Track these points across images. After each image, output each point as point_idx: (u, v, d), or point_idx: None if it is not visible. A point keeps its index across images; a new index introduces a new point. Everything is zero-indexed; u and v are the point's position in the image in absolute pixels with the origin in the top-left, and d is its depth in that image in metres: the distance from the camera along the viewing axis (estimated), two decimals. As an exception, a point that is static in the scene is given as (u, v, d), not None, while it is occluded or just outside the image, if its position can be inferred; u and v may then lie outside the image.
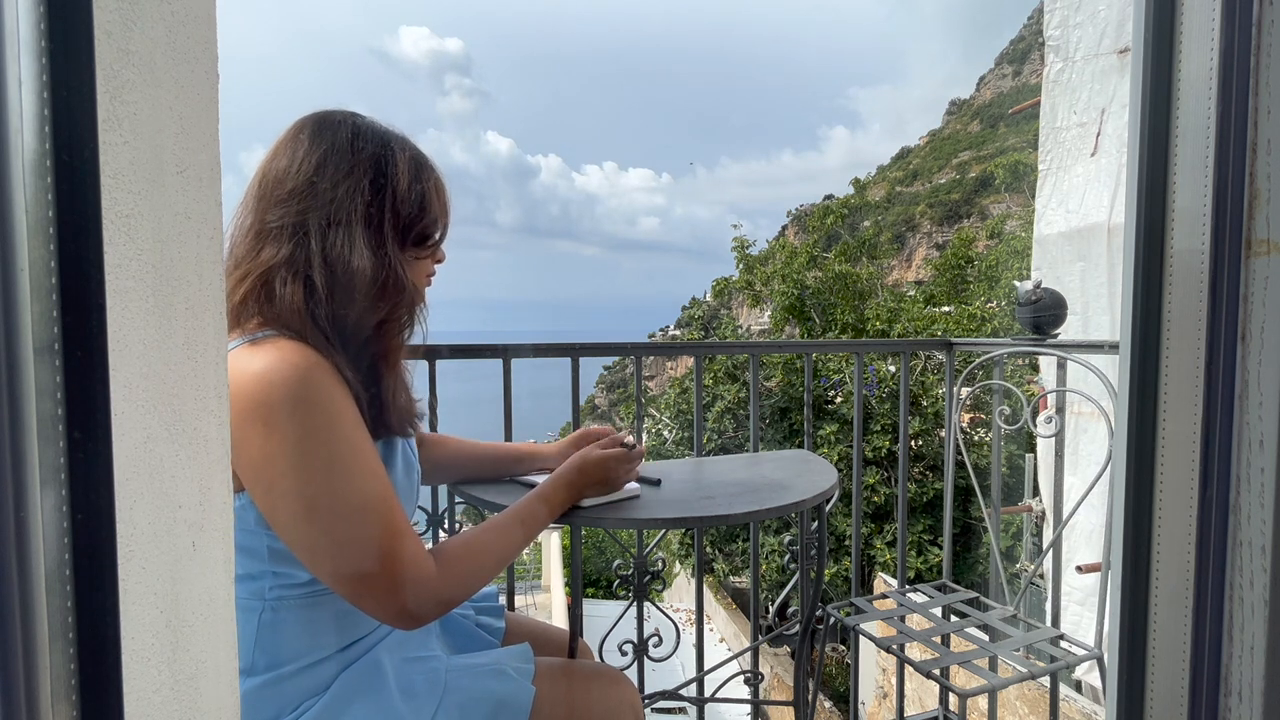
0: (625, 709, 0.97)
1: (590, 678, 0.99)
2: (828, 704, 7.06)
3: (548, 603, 12.77)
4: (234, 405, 0.71)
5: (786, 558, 1.58)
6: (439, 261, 0.96)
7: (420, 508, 1.45)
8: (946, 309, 10.94)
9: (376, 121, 0.88)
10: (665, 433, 10.41)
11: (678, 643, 1.59)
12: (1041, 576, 2.10)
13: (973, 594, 1.72)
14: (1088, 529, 3.55)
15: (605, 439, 1.10)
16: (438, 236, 0.93)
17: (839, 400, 8.61)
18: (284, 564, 0.78)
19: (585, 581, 1.11)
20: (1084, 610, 3.62)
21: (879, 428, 7.91)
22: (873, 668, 5.82)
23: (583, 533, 1.08)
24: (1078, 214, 3.77)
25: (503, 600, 1.18)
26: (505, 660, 0.93)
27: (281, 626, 0.80)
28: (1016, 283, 1.77)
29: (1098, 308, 3.65)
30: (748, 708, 1.77)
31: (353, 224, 0.82)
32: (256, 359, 0.73)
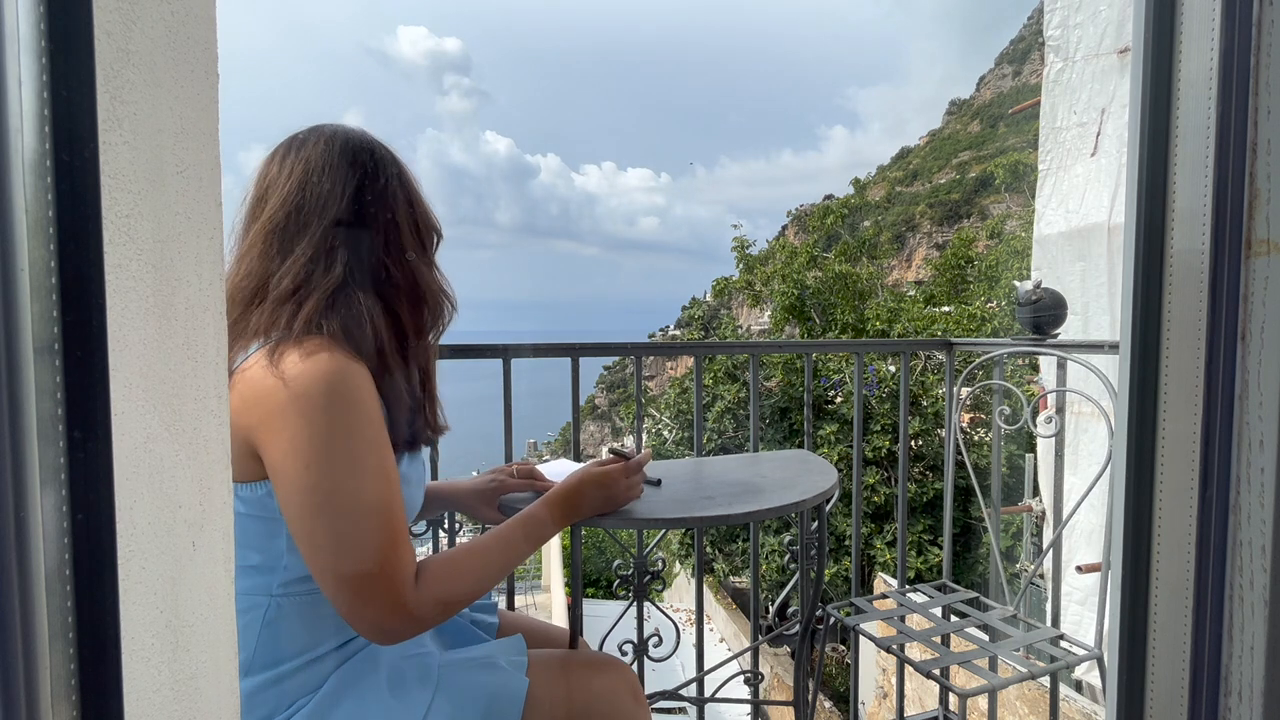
0: (624, 692, 0.96)
1: (586, 666, 0.99)
2: (828, 704, 7.06)
3: (548, 603, 12.76)
4: (272, 397, 0.73)
5: (786, 558, 1.58)
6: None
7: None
8: (946, 309, 10.93)
9: (378, 142, 0.92)
10: (665, 433, 10.40)
11: (678, 643, 1.59)
12: (1041, 576, 2.10)
13: (973, 594, 1.72)
14: (1088, 529, 3.55)
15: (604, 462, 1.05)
16: (436, 234, 0.97)
17: (839, 400, 8.60)
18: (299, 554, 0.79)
19: (585, 581, 1.10)
20: (1084, 610, 3.62)
21: (879, 428, 7.91)
22: (873, 668, 5.81)
23: (583, 533, 1.08)
24: (1078, 214, 3.77)
25: (496, 599, 1.18)
26: (498, 653, 0.93)
27: (284, 624, 0.80)
28: (1016, 283, 1.77)
29: (1098, 308, 3.65)
30: (748, 708, 1.77)
31: (397, 240, 0.88)
32: (300, 355, 0.75)
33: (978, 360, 1.84)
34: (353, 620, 0.76)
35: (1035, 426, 1.70)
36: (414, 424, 0.90)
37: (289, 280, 0.81)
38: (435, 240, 0.95)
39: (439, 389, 0.99)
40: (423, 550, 1.09)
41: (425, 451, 0.98)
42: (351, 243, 0.84)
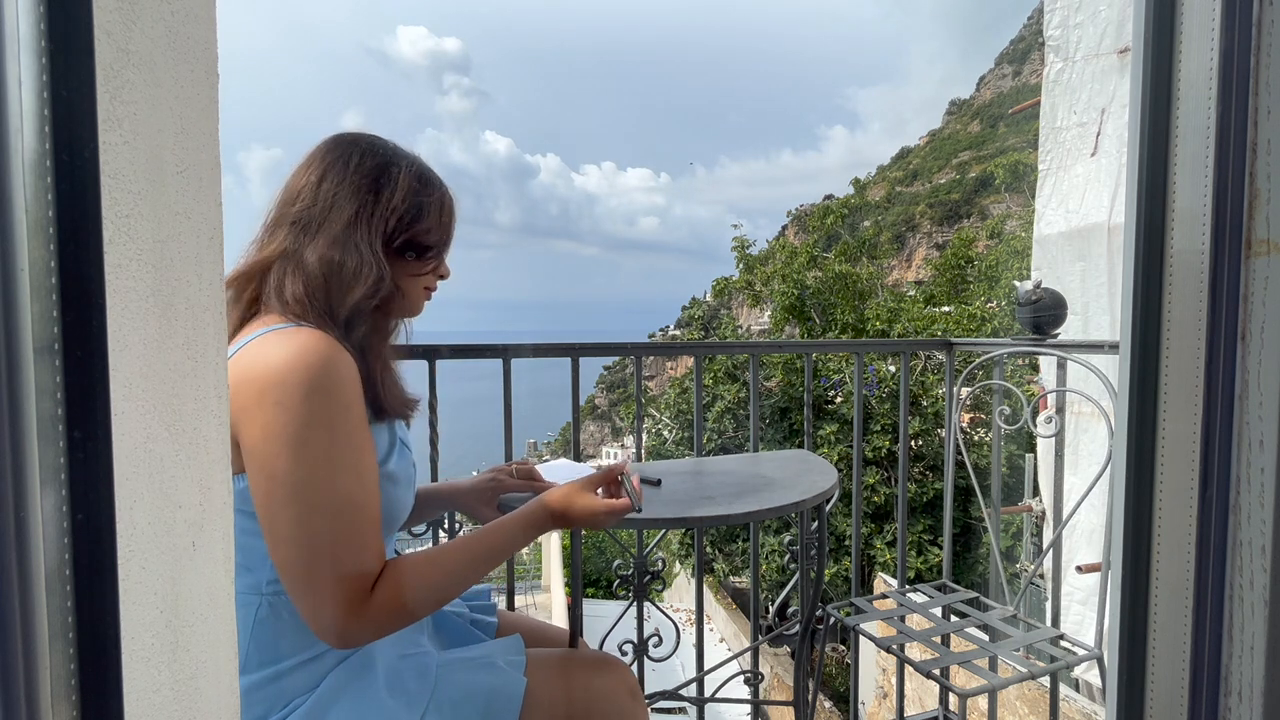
0: (621, 691, 0.96)
1: (584, 665, 0.99)
2: (828, 704, 7.06)
3: (548, 603, 12.77)
4: (253, 384, 0.72)
5: (786, 558, 1.58)
6: (442, 277, 0.97)
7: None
8: (946, 309, 10.93)
9: (396, 144, 0.92)
10: (665, 433, 10.40)
11: (678, 643, 1.59)
12: (1041, 576, 2.10)
13: (973, 594, 1.72)
14: (1088, 529, 3.55)
15: (604, 476, 0.95)
16: (433, 251, 0.93)
17: (839, 400, 8.60)
18: None
19: (585, 581, 1.10)
20: (1086, 610, 3.62)
21: (879, 428, 7.91)
22: (873, 668, 5.81)
23: (583, 533, 1.08)
24: (1078, 214, 3.77)
25: (495, 599, 1.18)
26: (496, 652, 0.93)
27: (277, 622, 0.80)
28: (1016, 283, 1.77)
29: (1098, 308, 3.65)
30: (748, 708, 1.77)
31: (350, 223, 0.85)
32: (286, 343, 0.75)
33: (978, 360, 1.84)
34: (307, 617, 0.74)
35: (1035, 426, 1.70)
36: (372, 395, 0.87)
37: (249, 268, 0.84)
38: (399, 230, 0.89)
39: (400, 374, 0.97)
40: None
41: (422, 452, 0.96)
42: (301, 227, 0.85)
